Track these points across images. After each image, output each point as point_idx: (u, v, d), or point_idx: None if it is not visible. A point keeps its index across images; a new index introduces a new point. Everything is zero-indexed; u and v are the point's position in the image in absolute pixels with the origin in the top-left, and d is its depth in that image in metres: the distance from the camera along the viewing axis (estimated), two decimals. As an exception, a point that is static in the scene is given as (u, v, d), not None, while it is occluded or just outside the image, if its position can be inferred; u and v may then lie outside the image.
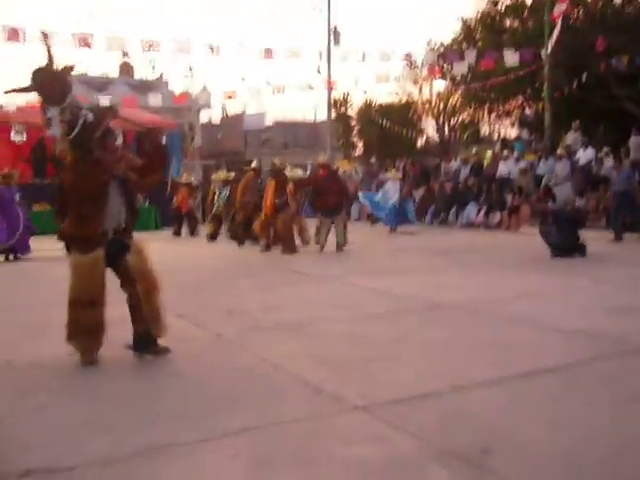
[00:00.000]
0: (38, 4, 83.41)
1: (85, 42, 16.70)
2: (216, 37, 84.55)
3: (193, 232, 17.00)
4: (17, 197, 12.03)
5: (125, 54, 18.89)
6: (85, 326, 4.45)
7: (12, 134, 19.56)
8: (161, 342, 4.62)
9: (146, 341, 4.57)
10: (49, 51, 4.57)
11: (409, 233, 15.59)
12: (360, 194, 19.89)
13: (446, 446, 2.95)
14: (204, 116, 36.39)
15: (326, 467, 2.79)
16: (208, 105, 35.23)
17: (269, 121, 42.16)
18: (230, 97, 21.92)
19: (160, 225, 19.50)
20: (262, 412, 3.45)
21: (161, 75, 46.35)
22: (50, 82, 4.49)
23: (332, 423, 3.31)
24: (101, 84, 43.20)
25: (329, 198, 11.64)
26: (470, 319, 5.82)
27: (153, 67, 18.78)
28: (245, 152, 39.76)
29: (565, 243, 10.22)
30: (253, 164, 14.15)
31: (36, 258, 11.50)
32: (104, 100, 21.17)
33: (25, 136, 19.67)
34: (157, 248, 8.53)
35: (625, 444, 2.98)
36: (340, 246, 11.59)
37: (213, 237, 14.73)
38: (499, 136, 35.10)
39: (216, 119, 44.73)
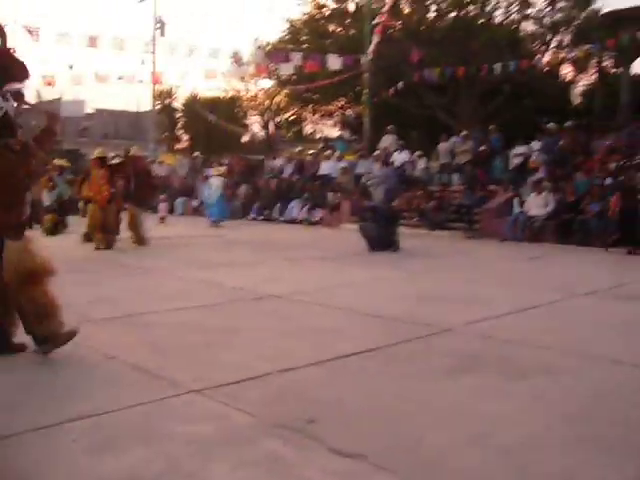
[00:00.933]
0: None
1: None
2: (36, 20, 79.60)
3: None
4: None
5: None
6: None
7: None
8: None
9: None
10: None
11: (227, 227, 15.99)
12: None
13: (275, 420, 3.26)
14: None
15: (167, 444, 2.98)
16: (22, 89, 33.13)
17: (90, 109, 40.49)
18: (49, 84, 20.81)
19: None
20: (100, 399, 3.55)
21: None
22: None
23: (170, 405, 3.50)
24: None
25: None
26: (293, 308, 6.21)
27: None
28: (62, 141, 37.86)
29: (381, 238, 11.04)
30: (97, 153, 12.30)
31: None
32: None
33: None
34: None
35: (432, 410, 3.47)
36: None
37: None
38: (322, 135, 36.47)
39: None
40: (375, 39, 19.67)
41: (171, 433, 3.10)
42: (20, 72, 4.49)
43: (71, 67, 21.55)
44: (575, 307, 6.51)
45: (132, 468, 2.73)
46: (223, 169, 20.04)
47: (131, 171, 12.09)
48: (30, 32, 17.17)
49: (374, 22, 20.01)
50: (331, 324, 5.50)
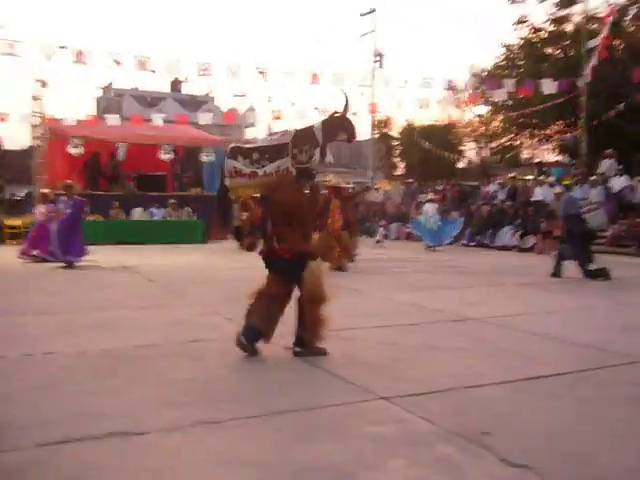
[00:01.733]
0: (102, 26, 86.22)
1: (143, 65, 17.76)
2: (265, 61, 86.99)
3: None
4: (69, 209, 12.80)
5: (184, 80, 19.87)
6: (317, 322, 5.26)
7: (69, 147, 20.66)
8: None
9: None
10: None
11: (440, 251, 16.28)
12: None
13: (453, 428, 3.56)
14: (250, 134, 37.34)
15: (354, 440, 3.42)
16: (253, 124, 36.23)
17: (312, 139, 43.03)
18: (277, 118, 22.74)
19: (205, 238, 20.43)
20: (301, 398, 4.10)
21: (209, 92, 47.73)
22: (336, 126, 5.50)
23: (361, 408, 3.94)
24: (152, 99, 44.85)
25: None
26: (490, 331, 6.39)
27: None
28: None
29: (577, 258, 10.69)
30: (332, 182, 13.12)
31: (90, 266, 12.39)
32: (157, 117, 22.19)
33: (82, 149, 20.79)
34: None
35: (608, 438, 3.55)
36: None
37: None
38: (540, 161, 35.37)
39: (261, 136, 45.75)
40: (593, 60, 18.92)
41: (359, 432, 3.54)
42: (351, 135, 5.52)
43: (293, 104, 23.42)
44: None
45: (320, 457, 3.20)
46: (436, 195, 20.46)
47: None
48: (261, 73, 19.01)
49: (592, 44, 19.26)
50: (525, 349, 5.62)
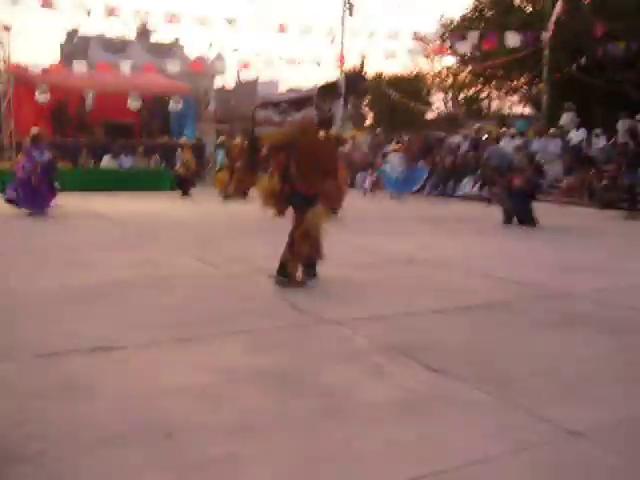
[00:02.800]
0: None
1: (112, 12, 17.79)
2: (231, 10, 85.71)
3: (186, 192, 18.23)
4: (47, 155, 13.10)
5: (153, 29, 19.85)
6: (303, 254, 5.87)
7: (36, 94, 20.64)
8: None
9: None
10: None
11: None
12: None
13: (387, 345, 4.18)
14: (218, 82, 37.12)
15: (301, 352, 4.03)
16: (222, 71, 36.06)
17: (281, 88, 43.00)
18: (245, 66, 22.92)
19: (174, 186, 20.73)
20: (260, 322, 4.68)
21: (177, 40, 47.11)
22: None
23: (310, 330, 4.55)
24: (119, 46, 44.14)
25: None
26: (436, 271, 7.03)
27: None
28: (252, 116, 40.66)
29: (517, 212, 11.51)
30: None
31: (62, 212, 12.76)
32: (125, 65, 22.18)
33: (49, 97, 20.78)
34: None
35: (522, 350, 4.20)
36: None
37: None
38: (506, 112, 35.94)
39: (229, 85, 45.47)
40: (555, 13, 19.34)
41: (306, 346, 4.14)
42: (364, 92, 6.21)
43: (258, 54, 23.55)
44: None
45: (272, 364, 3.79)
46: (401, 146, 20.92)
47: None
48: (229, 22, 19.15)
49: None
50: (464, 285, 6.27)
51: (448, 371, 3.69)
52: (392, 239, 9.61)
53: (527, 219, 11.53)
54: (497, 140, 20.21)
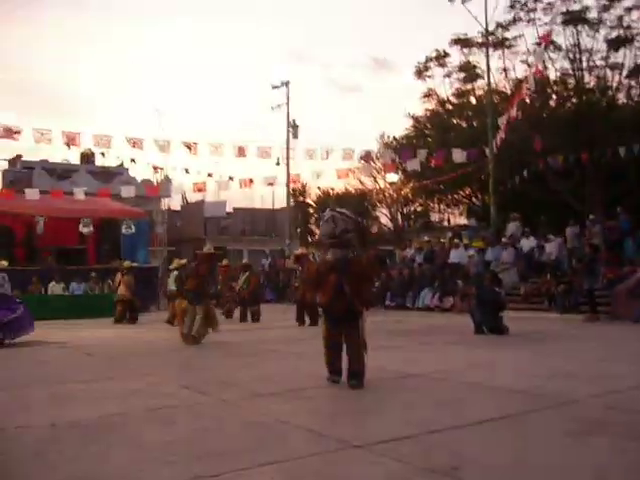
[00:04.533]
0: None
1: (73, 140, 17.93)
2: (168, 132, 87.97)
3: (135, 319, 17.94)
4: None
5: (101, 154, 19.97)
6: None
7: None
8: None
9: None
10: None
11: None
12: None
13: (425, 466, 4.01)
14: (165, 204, 37.30)
15: (341, 482, 3.81)
16: (169, 194, 36.35)
17: (228, 208, 43.53)
18: (200, 190, 23.20)
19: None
20: (282, 452, 4.44)
21: (122, 163, 47.56)
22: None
23: (338, 457, 4.33)
24: (63, 171, 44.19)
25: None
26: (432, 385, 6.95)
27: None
28: (205, 239, 40.81)
29: (487, 323, 11.68)
30: (207, 248, 14.48)
31: (20, 342, 12.25)
32: (78, 192, 22.16)
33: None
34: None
35: (559, 465, 4.09)
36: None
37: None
38: (449, 223, 37.17)
39: (175, 206, 45.73)
40: (501, 132, 20.45)
41: (341, 475, 3.93)
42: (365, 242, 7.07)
43: (210, 175, 23.88)
44: None
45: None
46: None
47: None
48: (189, 147, 19.52)
49: (499, 117, 20.80)
50: (466, 397, 6.17)
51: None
52: (372, 355, 9.43)
53: (497, 328, 11.66)
54: (448, 251, 20.77)
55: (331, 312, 6.96)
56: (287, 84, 35.77)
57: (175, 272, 16.32)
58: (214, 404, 6.23)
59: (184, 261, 15.58)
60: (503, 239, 19.27)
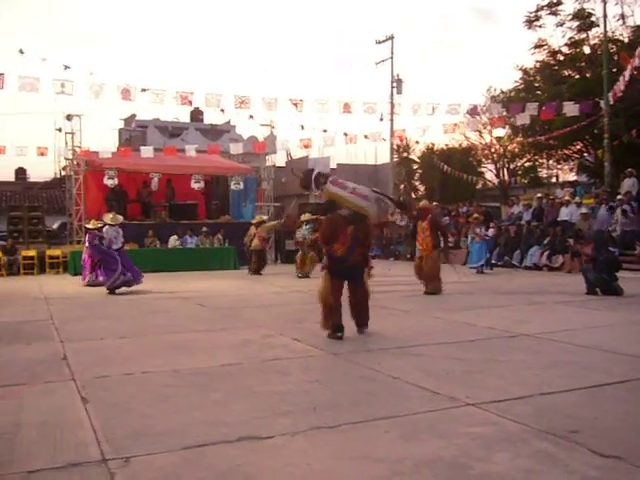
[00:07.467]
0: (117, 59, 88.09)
1: (186, 99, 18.48)
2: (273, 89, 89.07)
3: (260, 270, 18.50)
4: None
5: (221, 111, 20.47)
6: None
7: (105, 178, 21.38)
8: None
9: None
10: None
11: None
12: None
13: (541, 428, 3.99)
14: (270, 161, 37.90)
15: (456, 439, 3.86)
16: (274, 151, 36.86)
17: (332, 164, 43.63)
18: (306, 146, 23.39)
19: (237, 265, 20.94)
20: (395, 407, 4.55)
21: (229, 120, 48.53)
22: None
23: (452, 414, 4.38)
24: (174, 129, 45.70)
25: None
26: (544, 346, 6.82)
27: (251, 116, 20.67)
28: (309, 194, 41.16)
29: (601, 283, 11.24)
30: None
31: (139, 292, 12.94)
32: (190, 149, 22.88)
33: (117, 180, 21.51)
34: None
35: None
36: None
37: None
38: (558, 179, 35.80)
39: (280, 162, 46.22)
40: (620, 83, 19.29)
41: (457, 432, 3.98)
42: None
43: (325, 131, 24.10)
44: None
45: (433, 452, 3.65)
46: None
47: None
48: (295, 104, 19.68)
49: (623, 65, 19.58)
50: (581, 360, 6.05)
51: (623, 457, 3.49)
52: (480, 314, 9.43)
53: (612, 289, 11.27)
54: (558, 208, 20.08)
55: (346, 262, 7.32)
56: (392, 38, 35.23)
57: (307, 225, 16.82)
58: (326, 357, 6.43)
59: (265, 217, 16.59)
60: (618, 196, 18.38)
